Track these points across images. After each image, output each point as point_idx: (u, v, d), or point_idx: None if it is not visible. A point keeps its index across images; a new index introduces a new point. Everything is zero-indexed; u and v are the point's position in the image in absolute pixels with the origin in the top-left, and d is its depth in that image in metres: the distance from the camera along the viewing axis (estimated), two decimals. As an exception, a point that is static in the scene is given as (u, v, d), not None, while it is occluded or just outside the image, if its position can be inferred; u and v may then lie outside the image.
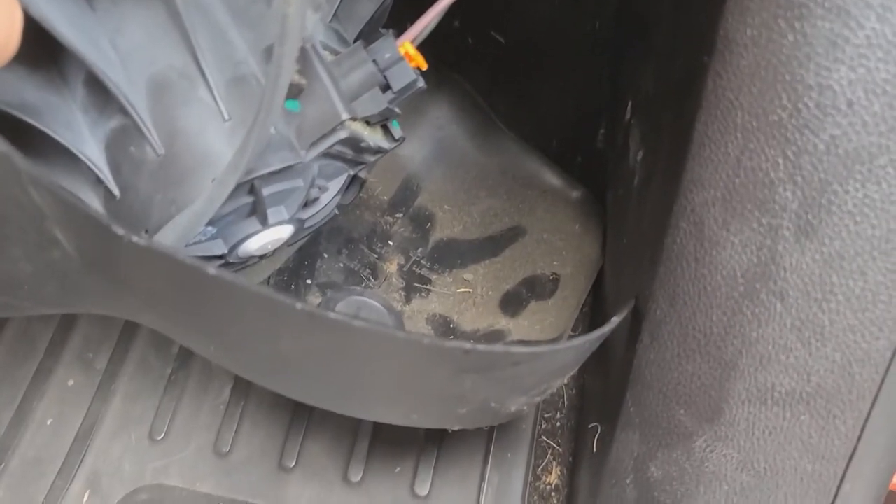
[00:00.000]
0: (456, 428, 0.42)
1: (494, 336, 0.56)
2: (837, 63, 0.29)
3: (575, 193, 0.65)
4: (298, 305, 0.31)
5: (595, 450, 0.45)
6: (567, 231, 0.63)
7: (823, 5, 0.29)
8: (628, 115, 0.53)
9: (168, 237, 0.36)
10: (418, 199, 0.66)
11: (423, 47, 0.43)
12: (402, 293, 0.60)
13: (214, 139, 0.37)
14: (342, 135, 0.39)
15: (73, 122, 0.37)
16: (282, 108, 0.37)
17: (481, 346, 0.33)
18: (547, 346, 0.35)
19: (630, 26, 0.55)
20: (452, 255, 0.63)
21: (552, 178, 0.66)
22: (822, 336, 0.33)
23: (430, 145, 0.66)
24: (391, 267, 0.62)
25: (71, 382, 0.59)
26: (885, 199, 0.31)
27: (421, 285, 0.61)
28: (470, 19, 0.64)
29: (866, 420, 0.34)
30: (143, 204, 0.37)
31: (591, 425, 0.47)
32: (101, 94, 0.36)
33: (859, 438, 0.35)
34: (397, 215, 0.65)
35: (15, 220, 0.33)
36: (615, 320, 0.39)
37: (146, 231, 0.37)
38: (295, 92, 0.38)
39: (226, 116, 0.37)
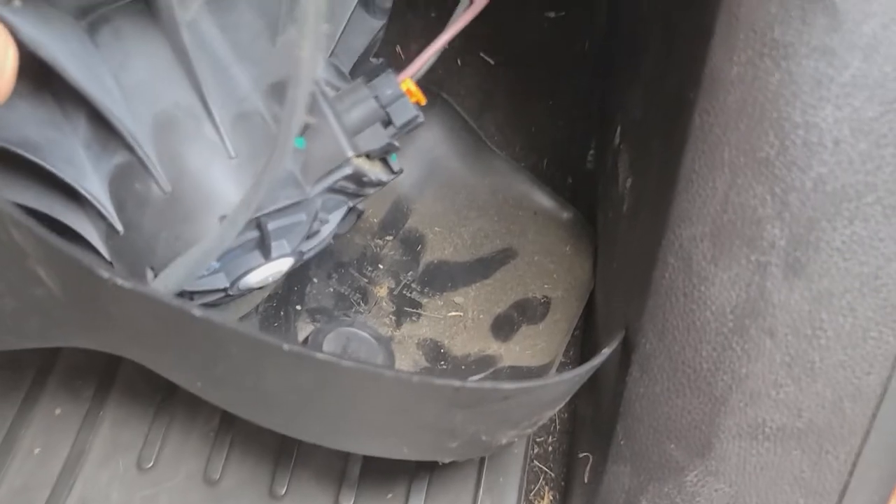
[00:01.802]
0: (447, 461, 0.41)
1: (485, 362, 0.56)
2: (823, 102, 0.29)
3: (566, 215, 0.65)
4: (286, 346, 0.31)
5: (587, 480, 0.45)
6: (558, 253, 0.63)
7: (809, 44, 0.29)
8: (617, 140, 0.53)
9: (174, 275, 0.36)
10: (408, 221, 0.65)
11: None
12: (393, 318, 0.60)
13: (220, 176, 0.37)
14: (346, 171, 0.39)
15: (75, 157, 0.37)
16: None
17: (470, 384, 0.33)
18: (537, 381, 0.35)
19: (619, 49, 0.55)
20: (443, 278, 0.63)
21: (543, 199, 0.66)
22: (813, 372, 0.33)
23: (420, 167, 0.66)
24: (381, 291, 0.61)
25: (58, 411, 0.59)
26: (873, 236, 0.31)
27: (411, 309, 0.60)
28: (459, 40, 0.64)
29: (858, 455, 0.34)
30: (147, 241, 0.37)
31: (581, 455, 0.46)
32: (104, 130, 0.36)
33: (851, 474, 0.35)
34: (387, 238, 0.64)
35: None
36: (605, 352, 0.39)
37: (151, 268, 0.37)
38: (301, 129, 0.38)
39: (232, 154, 0.37)
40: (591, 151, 0.66)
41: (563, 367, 0.55)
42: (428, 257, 0.64)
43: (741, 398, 0.34)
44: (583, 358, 0.56)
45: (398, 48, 0.66)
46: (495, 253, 0.64)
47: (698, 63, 0.33)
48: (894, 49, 0.28)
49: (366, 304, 0.60)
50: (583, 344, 0.58)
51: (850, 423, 0.34)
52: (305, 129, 0.39)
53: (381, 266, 0.63)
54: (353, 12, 0.41)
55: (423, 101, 0.42)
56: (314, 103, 0.38)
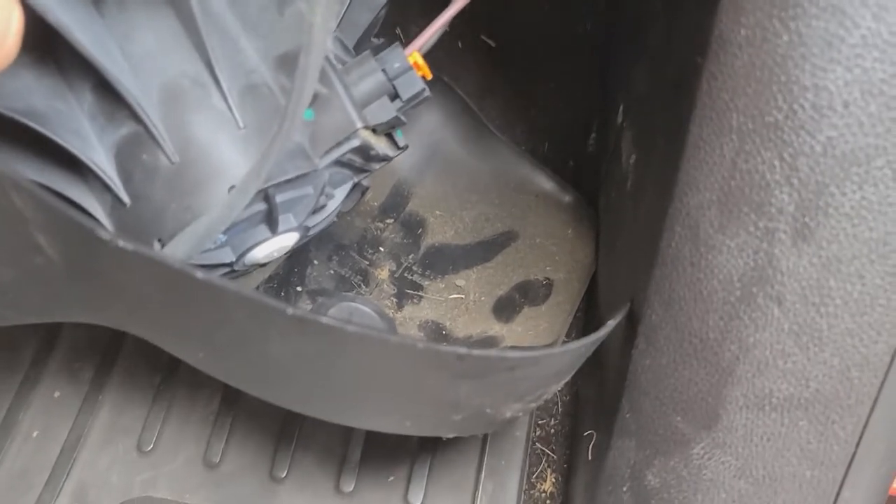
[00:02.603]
0: (451, 436, 0.41)
1: (487, 342, 0.55)
2: (833, 63, 0.29)
3: (567, 198, 0.65)
4: (289, 310, 0.30)
5: (591, 457, 0.45)
6: (560, 236, 0.63)
7: (818, 4, 0.29)
8: (620, 119, 0.52)
9: (183, 246, 0.35)
10: (409, 204, 0.65)
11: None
12: (394, 300, 0.59)
13: (229, 147, 0.37)
14: (355, 143, 0.39)
15: (81, 128, 0.37)
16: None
17: (476, 351, 0.32)
18: (542, 350, 0.35)
19: (621, 27, 0.55)
20: (444, 261, 0.62)
21: (544, 183, 0.65)
22: (821, 341, 0.33)
23: (421, 150, 0.66)
24: (382, 273, 0.61)
25: (57, 394, 0.58)
26: (883, 201, 0.30)
27: (413, 291, 0.60)
28: (459, 23, 0.64)
29: (865, 425, 0.34)
30: (155, 212, 0.37)
31: (586, 433, 0.46)
32: (110, 101, 0.36)
33: (858, 444, 0.34)
34: (388, 221, 0.64)
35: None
36: (611, 324, 0.39)
37: (159, 240, 0.37)
38: (310, 100, 0.38)
39: (240, 125, 0.37)
40: (593, 135, 0.66)
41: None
42: (429, 240, 0.64)
43: (748, 368, 0.34)
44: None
45: (398, 30, 0.66)
46: (496, 236, 0.64)
47: (706, 27, 0.32)
48: (905, 9, 0.28)
49: (367, 286, 0.60)
50: (585, 325, 0.57)
51: (857, 393, 0.34)
52: (314, 101, 0.38)
53: (381, 249, 0.62)
54: None
55: (430, 76, 0.42)
56: (324, 75, 0.38)
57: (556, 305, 0.57)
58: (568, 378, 0.39)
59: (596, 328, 0.38)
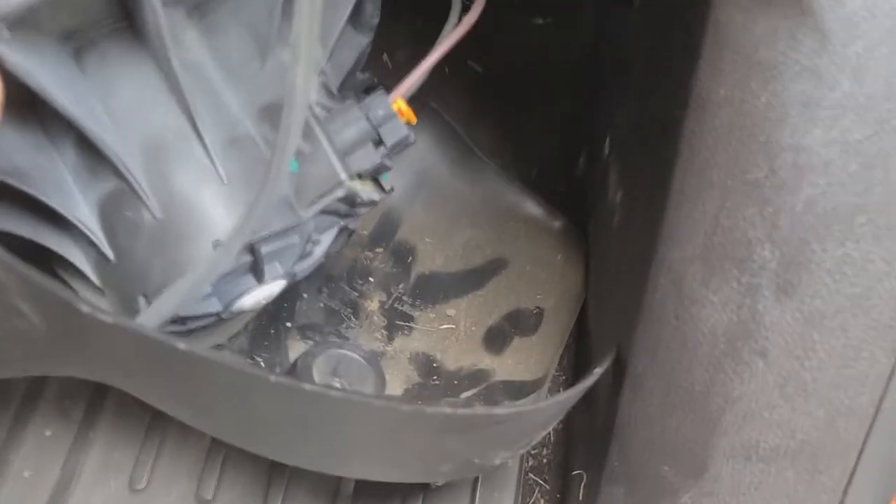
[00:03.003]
0: (440, 483, 0.41)
1: (478, 376, 0.55)
2: (812, 123, 0.29)
3: (556, 223, 0.64)
4: (272, 378, 0.30)
5: (581, 498, 0.45)
6: (550, 262, 0.63)
7: (796, 66, 0.28)
8: (607, 150, 0.52)
9: (168, 302, 0.35)
10: (398, 232, 0.65)
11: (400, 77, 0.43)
12: (385, 332, 0.59)
13: (213, 201, 0.37)
14: (340, 193, 0.39)
15: (64, 185, 0.37)
16: None
17: (462, 411, 0.32)
18: (529, 405, 0.35)
19: (607, 59, 0.55)
20: (435, 290, 0.62)
21: (533, 208, 0.65)
22: (806, 392, 0.33)
23: (410, 177, 0.66)
24: (372, 304, 0.61)
25: (48, 432, 0.58)
26: (864, 257, 0.30)
27: (403, 322, 0.60)
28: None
29: (852, 474, 0.34)
30: (140, 268, 0.37)
31: (575, 472, 0.46)
32: (92, 156, 0.36)
33: (845, 493, 0.34)
34: (377, 250, 0.64)
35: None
36: (597, 372, 0.39)
37: (144, 295, 0.37)
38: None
39: (224, 179, 0.37)
40: (581, 159, 0.66)
41: (556, 380, 0.55)
42: (419, 268, 0.63)
43: (734, 419, 0.34)
44: (576, 368, 0.56)
45: (384, 56, 0.66)
46: (487, 263, 0.64)
47: (685, 83, 0.32)
48: (881, 69, 0.28)
49: (357, 318, 0.60)
50: (576, 354, 0.57)
51: (843, 443, 0.34)
52: (298, 153, 0.38)
53: (371, 279, 0.62)
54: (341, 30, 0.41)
55: (414, 121, 0.42)
56: (307, 128, 0.38)
57: (546, 335, 0.57)
58: (556, 424, 0.39)
59: (586, 360, 0.38)
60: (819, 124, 0.29)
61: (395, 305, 0.61)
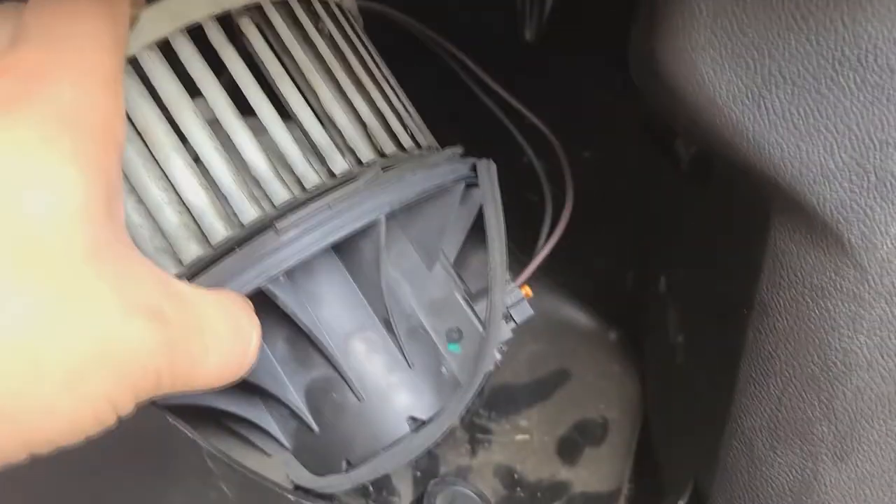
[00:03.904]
0: None
1: (558, 488, 0.62)
2: (857, 334, 0.36)
3: (612, 335, 0.72)
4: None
5: None
6: (609, 372, 0.70)
7: (841, 291, 0.36)
8: (663, 288, 0.60)
9: (367, 470, 0.42)
10: (470, 348, 0.72)
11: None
12: (468, 446, 0.66)
13: (404, 384, 0.43)
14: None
15: (275, 372, 0.43)
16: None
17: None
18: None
19: (657, 201, 0.62)
20: (506, 401, 0.69)
21: (588, 321, 0.73)
22: (863, 539, 0.40)
23: (476, 295, 0.73)
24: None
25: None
26: (904, 432, 0.38)
27: (483, 435, 0.67)
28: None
29: None
30: (343, 440, 0.43)
31: None
32: (302, 349, 0.42)
33: None
34: (453, 366, 0.71)
35: (184, 481, 0.39)
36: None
37: (348, 461, 0.43)
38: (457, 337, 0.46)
39: (410, 364, 0.43)
40: (630, 273, 0.73)
41: (629, 492, 0.62)
42: (491, 382, 0.71)
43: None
44: (640, 481, 0.63)
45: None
46: (550, 374, 0.71)
47: (748, 286, 0.40)
48: (911, 292, 0.35)
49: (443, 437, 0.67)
50: (640, 468, 0.64)
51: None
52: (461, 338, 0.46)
53: (451, 397, 0.69)
54: None
55: (531, 295, 0.50)
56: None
57: (614, 446, 0.64)
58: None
59: (655, 481, 0.44)
60: (862, 334, 0.36)
61: (474, 420, 0.68)
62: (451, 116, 0.50)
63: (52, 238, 0.23)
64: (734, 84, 0.34)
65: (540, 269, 0.75)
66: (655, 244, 0.63)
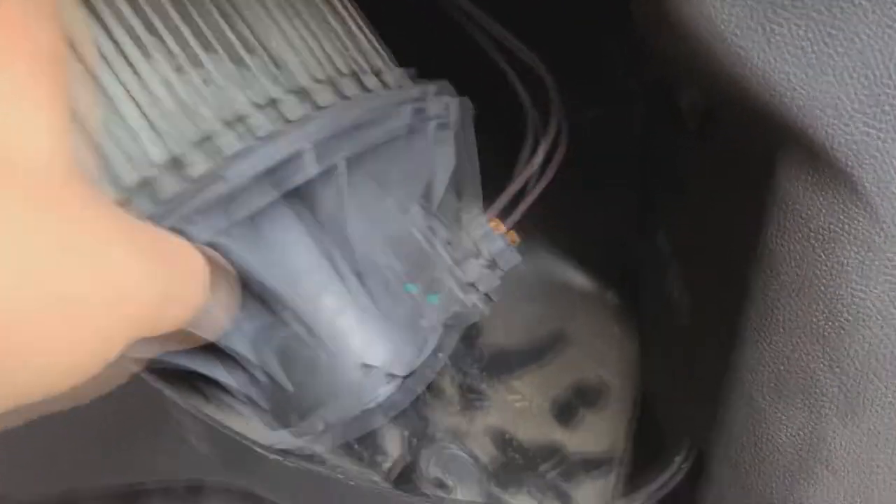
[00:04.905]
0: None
1: (551, 449, 0.61)
2: (868, 282, 0.34)
3: (610, 295, 0.69)
4: None
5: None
6: (608, 334, 0.68)
7: (851, 236, 0.34)
8: (663, 244, 0.57)
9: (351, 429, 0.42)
10: (464, 310, 0.70)
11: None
12: (462, 408, 0.64)
13: (379, 339, 0.41)
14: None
15: (245, 333, 0.41)
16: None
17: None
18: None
19: (659, 160, 0.60)
20: (501, 364, 0.67)
21: (586, 282, 0.70)
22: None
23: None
24: (445, 381, 0.66)
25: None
26: (918, 389, 0.35)
27: (477, 398, 0.65)
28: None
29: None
30: (318, 398, 0.41)
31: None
32: (270, 308, 0.40)
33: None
34: (447, 329, 0.69)
35: (168, 443, 0.38)
36: (677, 461, 0.44)
37: (325, 420, 0.41)
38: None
39: (385, 317, 0.41)
40: (629, 233, 0.71)
41: (626, 455, 0.60)
42: (486, 345, 0.69)
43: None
44: (640, 442, 0.61)
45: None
46: (547, 336, 0.69)
47: (752, 238, 0.37)
48: (928, 239, 0.33)
49: (433, 396, 0.65)
50: (639, 428, 0.62)
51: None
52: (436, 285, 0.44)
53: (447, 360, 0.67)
54: None
55: (517, 241, 0.48)
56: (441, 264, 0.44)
57: (613, 408, 0.62)
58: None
59: (654, 440, 0.43)
60: (875, 283, 0.34)
61: (468, 381, 0.66)
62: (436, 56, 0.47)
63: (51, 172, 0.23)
64: (739, 10, 0.31)
65: (536, 228, 0.73)
66: (656, 201, 0.60)
